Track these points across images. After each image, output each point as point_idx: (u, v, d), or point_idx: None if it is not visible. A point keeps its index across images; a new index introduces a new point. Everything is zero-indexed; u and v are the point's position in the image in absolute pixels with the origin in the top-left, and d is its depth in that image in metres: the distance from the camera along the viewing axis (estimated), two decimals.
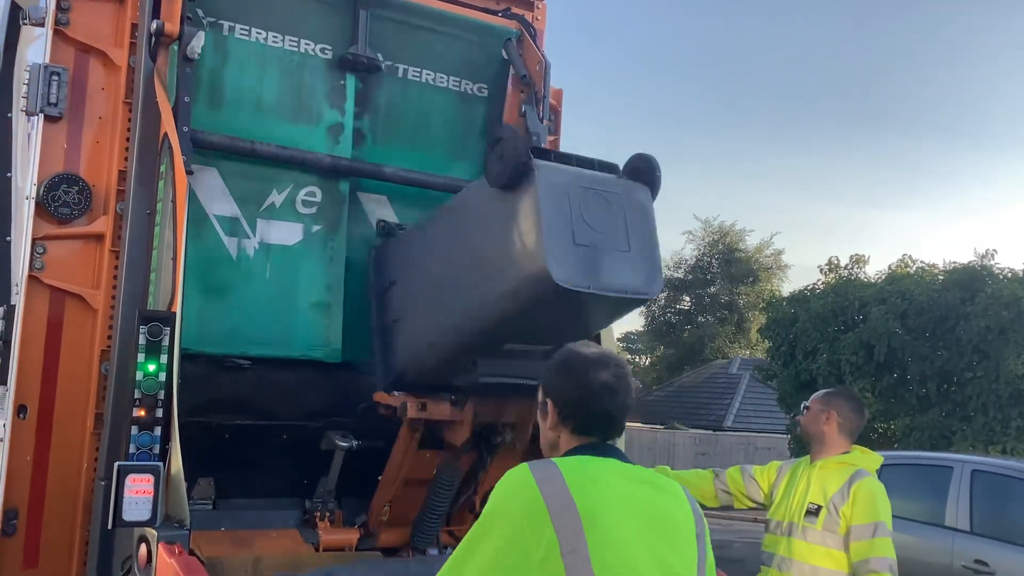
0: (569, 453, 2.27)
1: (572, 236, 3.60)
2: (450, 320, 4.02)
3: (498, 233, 3.75)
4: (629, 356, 49.23)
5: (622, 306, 3.97)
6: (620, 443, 2.43)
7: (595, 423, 2.28)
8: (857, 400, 4.61)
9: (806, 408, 4.54)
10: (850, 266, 19.85)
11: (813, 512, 4.21)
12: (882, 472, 8.36)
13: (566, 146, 5.69)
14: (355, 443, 4.58)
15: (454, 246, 4.08)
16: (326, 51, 4.86)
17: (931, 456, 9.36)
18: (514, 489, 2.12)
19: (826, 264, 20.04)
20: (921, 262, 18.30)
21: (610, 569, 2.02)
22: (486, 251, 3.83)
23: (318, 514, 4.60)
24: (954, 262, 17.08)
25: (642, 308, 42.02)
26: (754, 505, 4.68)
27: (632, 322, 47.43)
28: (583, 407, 2.27)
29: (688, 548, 2.21)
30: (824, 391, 4.58)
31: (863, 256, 20.00)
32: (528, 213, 3.59)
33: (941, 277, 16.88)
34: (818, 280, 19.57)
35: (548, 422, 2.33)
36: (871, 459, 4.44)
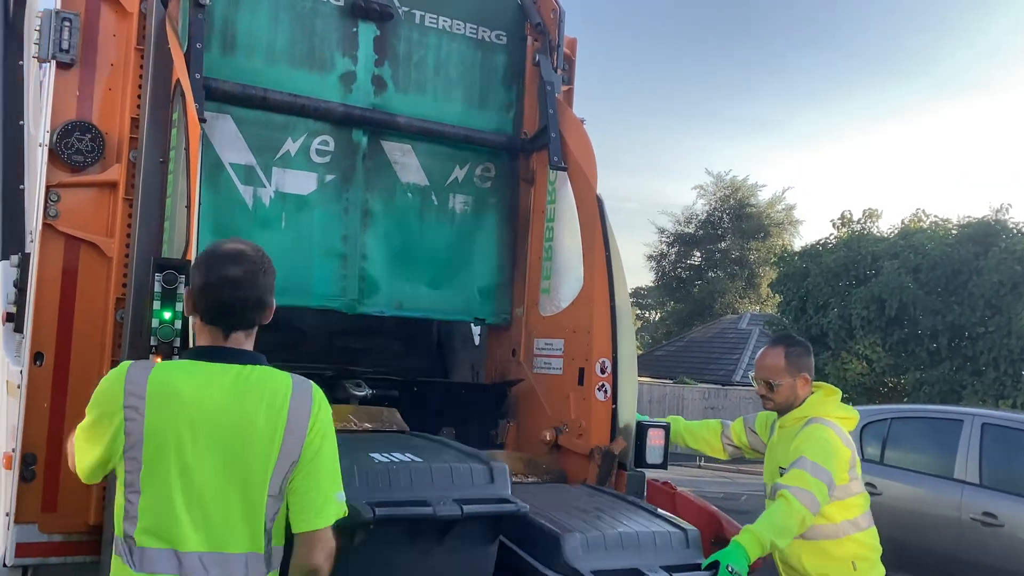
0: (193, 349, 2.56)
1: None
2: None
3: None
4: (639, 311, 49.31)
5: None
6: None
7: (216, 313, 2.48)
8: (806, 344, 4.43)
9: (768, 384, 4.27)
10: (863, 220, 19.77)
11: (782, 474, 4.12)
12: (893, 424, 8.46)
13: (578, 96, 5.64)
14: (369, 392, 4.60)
15: None
16: None
17: (941, 409, 9.36)
18: (111, 378, 2.49)
19: (838, 218, 19.95)
20: (935, 216, 18.20)
21: (155, 451, 2.37)
22: None
23: None
24: (968, 216, 16.99)
25: (652, 263, 42.08)
26: (761, 455, 4.65)
27: (642, 277, 47.47)
28: (204, 297, 2.48)
29: (258, 449, 2.39)
30: (774, 353, 4.30)
31: (876, 210, 19.95)
32: None
33: (955, 232, 16.79)
34: (830, 234, 19.49)
35: (186, 307, 2.58)
36: (828, 402, 4.28)
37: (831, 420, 4.17)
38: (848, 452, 4.10)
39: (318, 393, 2.52)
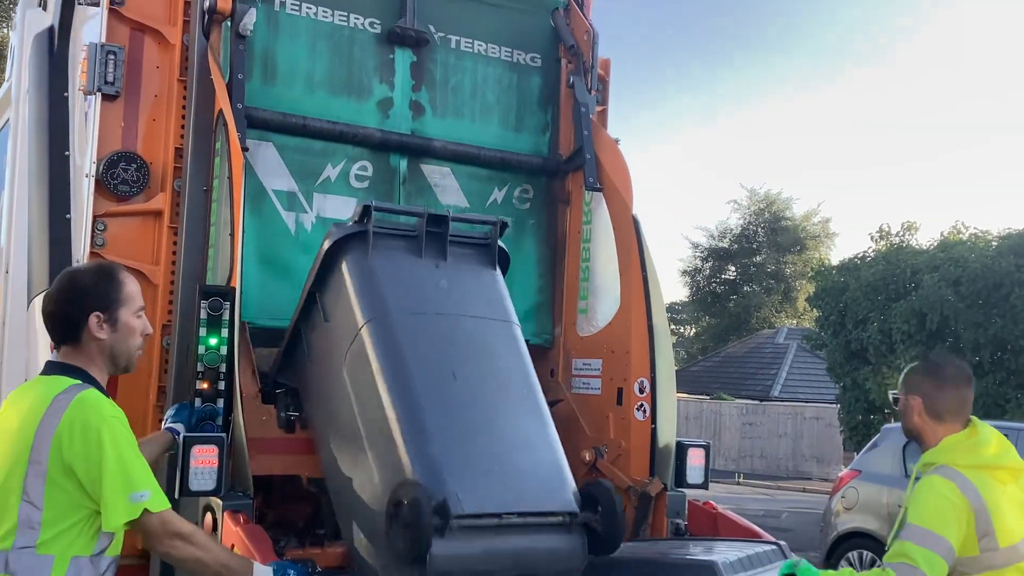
0: None
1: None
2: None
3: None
4: (673, 326, 49.08)
5: None
6: None
7: (47, 329, 2.89)
8: (940, 369, 3.51)
9: (895, 398, 3.54)
10: (901, 233, 19.61)
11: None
12: None
13: (612, 116, 5.66)
14: None
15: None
16: (375, 25, 4.87)
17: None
18: None
19: (876, 231, 19.81)
20: (974, 228, 18.00)
21: None
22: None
23: None
24: (1008, 228, 16.79)
25: (687, 278, 41.87)
26: None
27: (677, 292, 47.20)
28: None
29: (14, 451, 2.65)
30: (906, 368, 3.58)
31: (914, 223, 19.77)
32: None
33: (995, 243, 16.60)
34: (868, 248, 19.34)
35: None
36: (964, 446, 3.33)
37: (960, 470, 3.23)
38: (969, 512, 3.14)
39: (84, 404, 2.67)
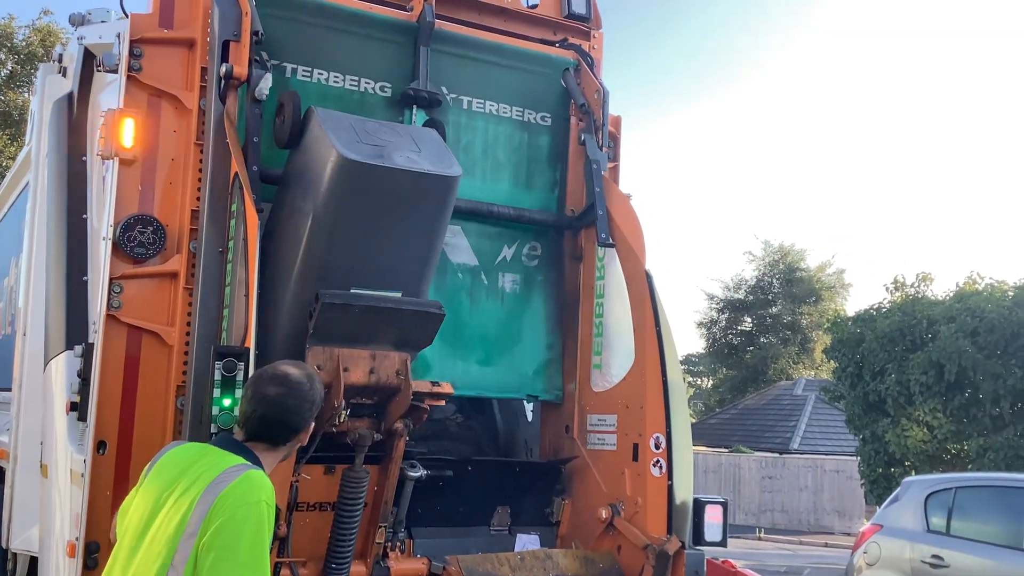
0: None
1: (357, 139, 4.12)
2: (296, 267, 4.19)
3: (307, 173, 4.21)
4: (690, 378, 48.81)
5: (431, 188, 4.21)
6: None
7: (241, 419, 2.90)
8: None
9: None
10: (916, 284, 19.54)
11: None
12: (958, 494, 8.24)
13: (624, 172, 5.70)
14: (424, 473, 4.61)
15: (293, 211, 4.29)
16: (385, 89, 4.93)
17: (1010, 477, 9.12)
18: None
19: (891, 283, 19.75)
20: (990, 278, 17.92)
21: (123, 510, 2.87)
22: (304, 188, 4.21)
23: (388, 544, 4.63)
24: None
25: (702, 329, 41.73)
26: None
27: (693, 344, 47.07)
28: (240, 404, 2.95)
29: (176, 515, 2.65)
30: None
31: (929, 274, 19.72)
32: (317, 137, 4.17)
33: (1011, 293, 16.51)
34: (884, 299, 19.26)
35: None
36: None
37: None
38: None
39: (250, 480, 2.65)
